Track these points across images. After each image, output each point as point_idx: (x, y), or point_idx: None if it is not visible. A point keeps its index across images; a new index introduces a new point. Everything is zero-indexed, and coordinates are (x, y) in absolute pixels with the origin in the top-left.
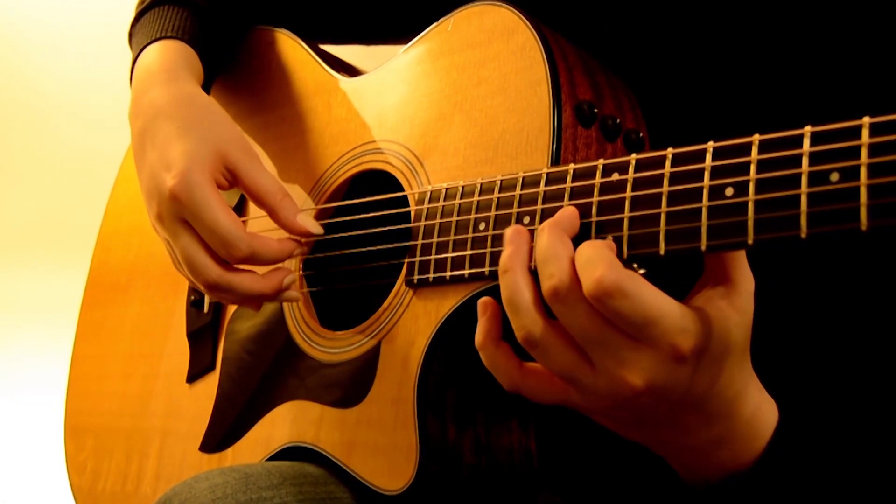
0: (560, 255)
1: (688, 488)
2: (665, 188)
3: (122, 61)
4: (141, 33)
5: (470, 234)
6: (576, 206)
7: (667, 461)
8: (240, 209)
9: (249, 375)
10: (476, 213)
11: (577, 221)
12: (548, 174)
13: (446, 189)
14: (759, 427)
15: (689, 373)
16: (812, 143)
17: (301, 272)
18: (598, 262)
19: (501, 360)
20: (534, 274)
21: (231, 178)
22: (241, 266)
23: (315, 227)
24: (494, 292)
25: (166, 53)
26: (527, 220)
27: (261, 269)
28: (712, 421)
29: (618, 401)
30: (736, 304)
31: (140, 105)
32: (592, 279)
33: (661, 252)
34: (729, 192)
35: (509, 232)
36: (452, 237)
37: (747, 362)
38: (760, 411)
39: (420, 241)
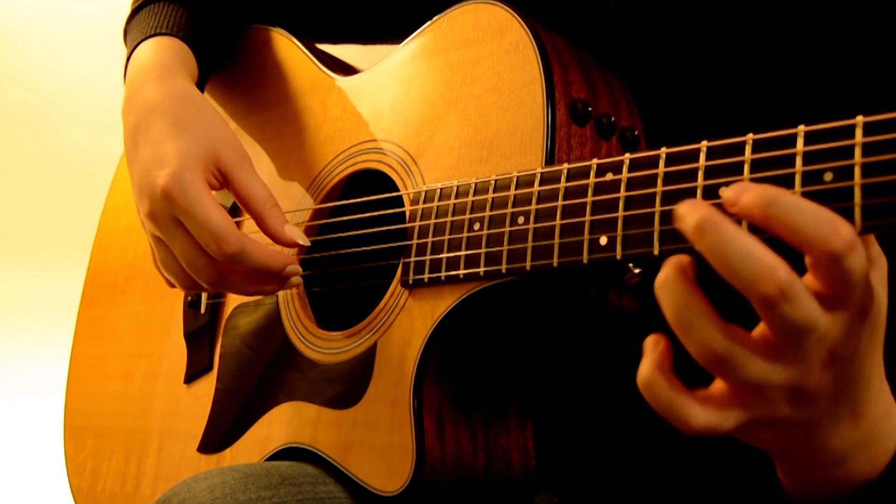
0: (763, 257)
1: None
2: (659, 188)
3: (120, 61)
4: (136, 30)
5: (465, 234)
6: (570, 206)
7: (787, 481)
8: (234, 212)
9: (249, 371)
10: (471, 213)
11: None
12: (542, 174)
13: (441, 189)
14: (891, 426)
15: (859, 339)
16: (806, 143)
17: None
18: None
19: (678, 395)
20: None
21: (222, 181)
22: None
23: (302, 239)
24: (491, 292)
25: (161, 50)
26: (521, 220)
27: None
28: (861, 412)
29: (797, 391)
30: (884, 280)
31: (133, 101)
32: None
33: (656, 252)
34: (723, 191)
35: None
36: (447, 237)
37: (881, 354)
38: (893, 410)
39: (415, 242)
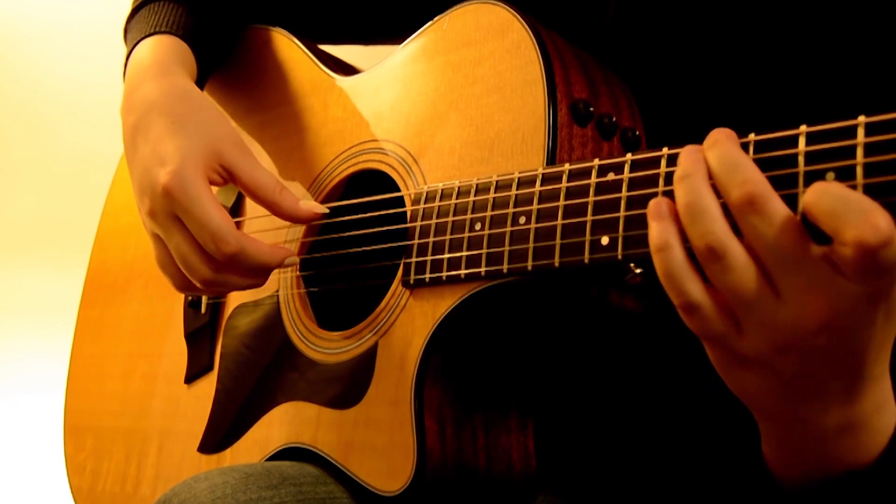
0: (747, 163)
1: (774, 487)
2: (661, 188)
3: (120, 62)
4: (135, 29)
5: (466, 234)
6: (571, 206)
7: (771, 455)
8: (236, 211)
9: (248, 372)
10: (472, 213)
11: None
12: (543, 174)
13: (442, 189)
14: (884, 421)
15: (872, 321)
16: (808, 143)
17: (298, 273)
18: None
19: (687, 267)
20: None
21: (226, 175)
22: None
23: (320, 208)
24: (492, 292)
25: (160, 48)
26: (522, 220)
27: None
28: (855, 396)
29: (791, 337)
30: None
31: (133, 100)
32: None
33: None
34: None
35: (685, 151)
36: (448, 237)
37: (889, 349)
38: (888, 405)
39: (416, 242)
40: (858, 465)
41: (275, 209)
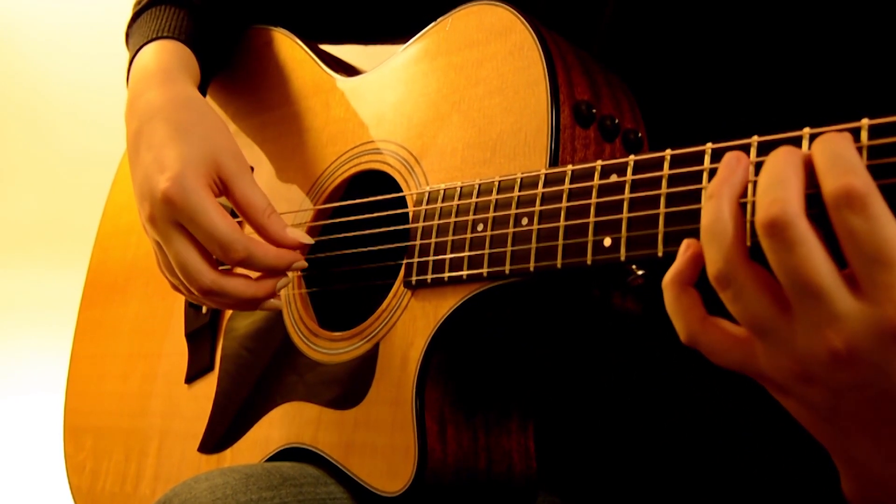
0: (790, 182)
1: None
2: (663, 190)
3: (121, 62)
4: (138, 33)
5: (468, 235)
6: (574, 207)
7: (846, 486)
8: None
9: (248, 373)
10: (474, 214)
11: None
12: (546, 175)
13: (444, 190)
14: None
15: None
16: (811, 145)
17: (299, 273)
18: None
19: (686, 304)
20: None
21: (222, 188)
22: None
23: (305, 238)
24: (494, 294)
25: (163, 54)
26: (525, 221)
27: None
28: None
29: (809, 369)
30: None
31: (136, 106)
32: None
33: (660, 254)
34: None
35: (728, 157)
36: (450, 238)
37: None
38: None
39: (418, 242)
40: None
41: (261, 232)
